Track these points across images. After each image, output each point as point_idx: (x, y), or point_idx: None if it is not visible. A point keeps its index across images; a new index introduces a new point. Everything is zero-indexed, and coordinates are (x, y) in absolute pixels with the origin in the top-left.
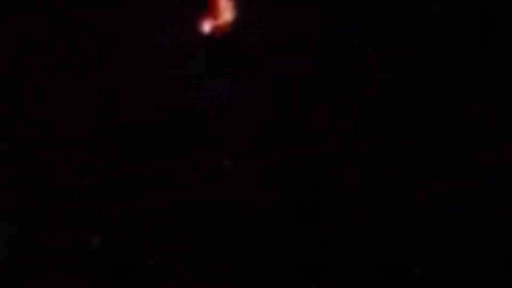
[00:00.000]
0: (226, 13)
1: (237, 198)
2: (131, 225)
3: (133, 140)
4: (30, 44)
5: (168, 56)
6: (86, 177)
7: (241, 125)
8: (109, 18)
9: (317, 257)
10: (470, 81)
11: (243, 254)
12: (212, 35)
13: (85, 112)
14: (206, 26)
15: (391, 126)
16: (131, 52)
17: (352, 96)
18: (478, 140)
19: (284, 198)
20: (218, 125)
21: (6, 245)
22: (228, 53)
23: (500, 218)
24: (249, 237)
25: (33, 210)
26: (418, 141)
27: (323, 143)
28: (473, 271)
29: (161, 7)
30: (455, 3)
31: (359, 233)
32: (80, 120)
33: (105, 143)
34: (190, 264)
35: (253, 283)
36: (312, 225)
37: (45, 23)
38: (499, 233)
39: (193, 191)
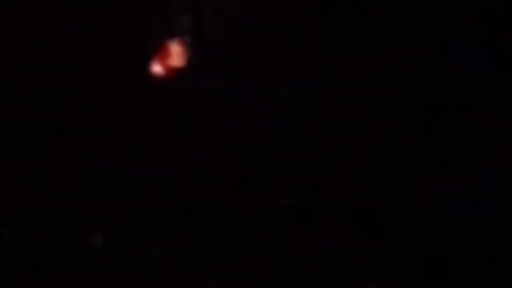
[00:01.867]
0: (177, 57)
1: (237, 198)
2: (131, 225)
3: (132, 139)
4: (30, 44)
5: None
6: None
7: (240, 125)
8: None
9: (316, 257)
10: (469, 81)
11: (243, 254)
12: (162, 77)
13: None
14: (157, 68)
15: (391, 126)
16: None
17: (352, 96)
18: (478, 141)
19: (283, 198)
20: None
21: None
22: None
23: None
24: (248, 237)
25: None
26: (418, 141)
27: (323, 143)
28: (473, 271)
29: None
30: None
31: (359, 233)
32: (78, 119)
33: (104, 143)
34: (190, 264)
35: (253, 283)
36: (311, 225)
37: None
38: (499, 233)
39: (193, 190)
